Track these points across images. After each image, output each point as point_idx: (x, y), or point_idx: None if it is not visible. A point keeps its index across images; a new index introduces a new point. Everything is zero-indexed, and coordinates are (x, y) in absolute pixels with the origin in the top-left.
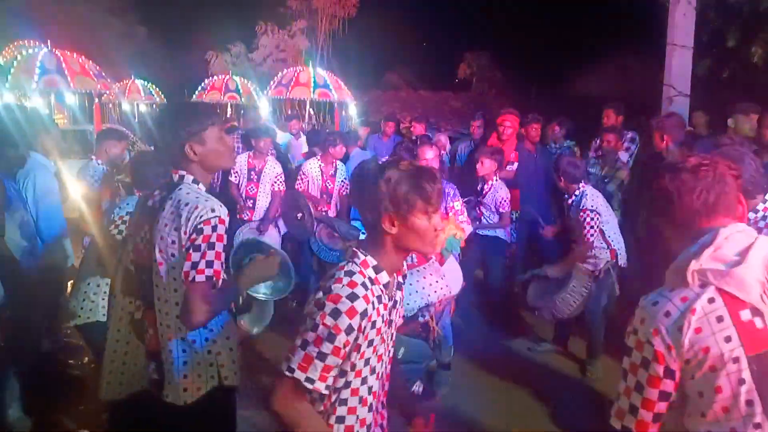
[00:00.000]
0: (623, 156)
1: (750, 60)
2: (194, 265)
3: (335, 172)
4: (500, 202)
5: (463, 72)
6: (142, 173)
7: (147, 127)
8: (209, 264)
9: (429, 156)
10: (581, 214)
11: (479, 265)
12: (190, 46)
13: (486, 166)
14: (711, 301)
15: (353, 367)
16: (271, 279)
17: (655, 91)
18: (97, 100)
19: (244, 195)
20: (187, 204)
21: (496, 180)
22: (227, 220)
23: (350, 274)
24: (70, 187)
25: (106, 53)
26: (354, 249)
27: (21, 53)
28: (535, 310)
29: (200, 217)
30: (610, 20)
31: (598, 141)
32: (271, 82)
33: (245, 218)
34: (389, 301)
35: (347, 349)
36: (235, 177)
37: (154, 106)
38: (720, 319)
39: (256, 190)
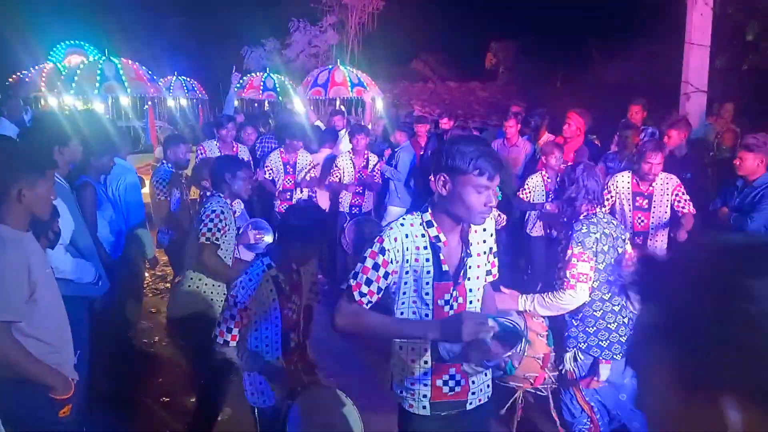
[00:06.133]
0: None
1: None
2: None
3: (367, 164)
4: None
5: (489, 62)
6: (219, 176)
7: (190, 123)
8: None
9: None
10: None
11: None
12: (224, 42)
13: None
14: None
15: None
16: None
17: (678, 80)
18: (149, 104)
19: (281, 188)
20: None
21: None
22: None
23: None
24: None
25: (144, 49)
26: None
27: (83, 61)
28: None
29: None
30: (636, 9)
31: (617, 136)
32: (308, 79)
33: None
34: None
35: None
36: (269, 174)
37: (195, 101)
38: None
39: (293, 182)
